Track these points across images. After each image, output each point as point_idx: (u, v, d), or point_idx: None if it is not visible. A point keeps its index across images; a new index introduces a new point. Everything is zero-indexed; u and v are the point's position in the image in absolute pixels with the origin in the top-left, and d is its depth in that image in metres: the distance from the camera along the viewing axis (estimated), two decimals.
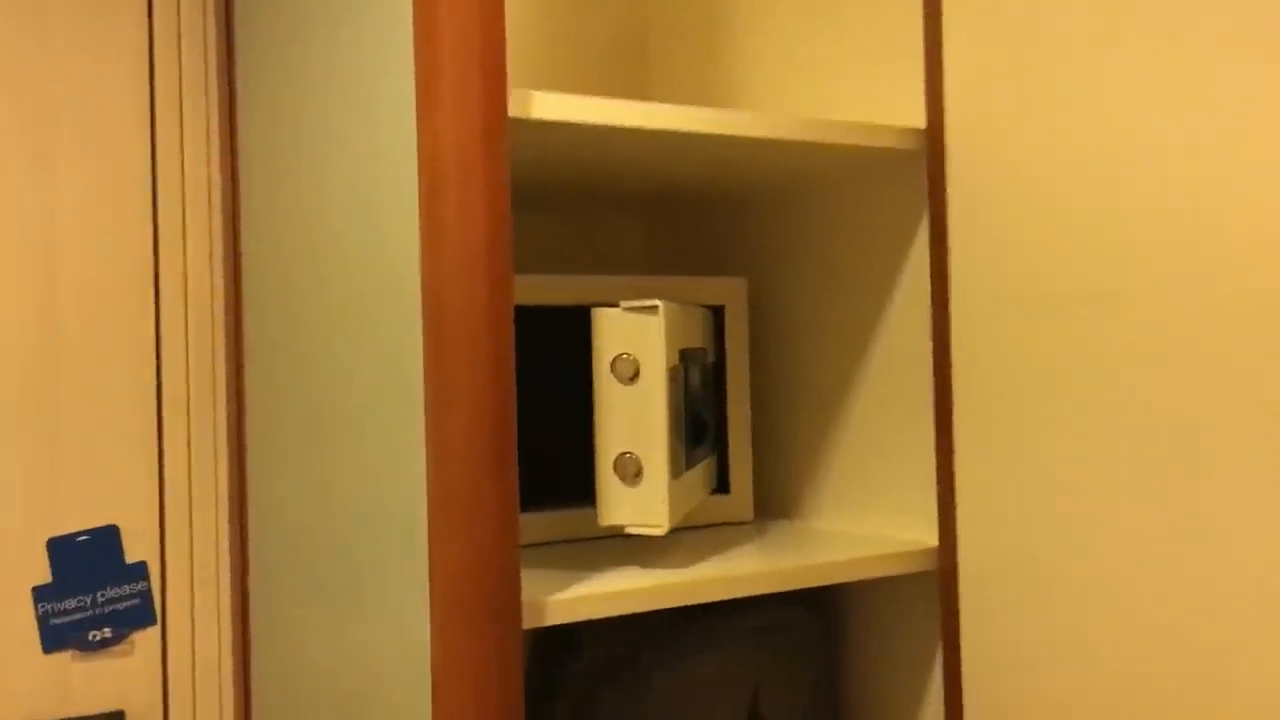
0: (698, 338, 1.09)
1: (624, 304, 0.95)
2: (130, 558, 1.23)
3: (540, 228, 1.40)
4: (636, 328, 0.94)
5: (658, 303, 0.94)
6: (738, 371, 1.20)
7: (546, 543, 1.11)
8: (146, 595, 1.24)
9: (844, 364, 1.17)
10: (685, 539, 1.12)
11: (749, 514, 1.21)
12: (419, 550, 0.85)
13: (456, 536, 0.82)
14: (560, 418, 1.16)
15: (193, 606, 1.25)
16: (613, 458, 0.95)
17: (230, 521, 1.25)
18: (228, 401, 1.25)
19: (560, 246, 1.41)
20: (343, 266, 0.98)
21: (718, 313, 1.20)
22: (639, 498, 0.94)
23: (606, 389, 0.95)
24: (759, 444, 1.28)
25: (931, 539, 1.06)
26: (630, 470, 0.94)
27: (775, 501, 1.27)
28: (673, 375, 0.96)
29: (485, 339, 0.83)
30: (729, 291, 1.20)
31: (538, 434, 1.15)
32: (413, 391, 0.86)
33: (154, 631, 1.24)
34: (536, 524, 1.11)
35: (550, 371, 1.16)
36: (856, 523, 1.16)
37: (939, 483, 1.05)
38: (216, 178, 1.26)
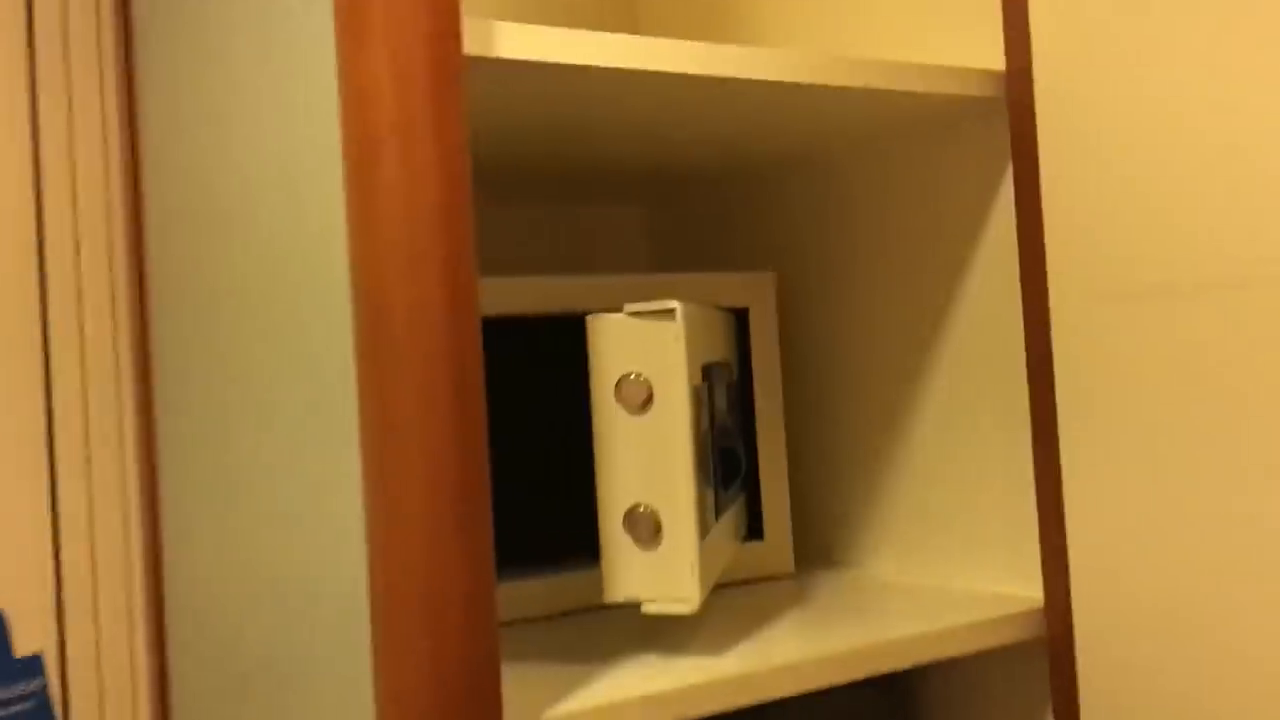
0: (720, 349, 0.86)
1: (629, 308, 0.71)
2: (21, 650, 0.99)
3: (515, 222, 1.17)
4: (648, 339, 0.71)
5: (674, 304, 0.71)
6: (768, 389, 0.97)
7: (534, 618, 0.87)
8: (43, 697, 1.00)
9: (903, 374, 0.93)
10: (715, 604, 0.88)
11: (788, 565, 0.97)
12: (358, 651, 0.61)
13: (409, 632, 0.59)
14: (551, 459, 0.93)
15: (102, 707, 1.01)
16: (621, 512, 0.71)
17: (146, 599, 1.01)
18: (137, 445, 1.02)
19: (541, 244, 1.17)
20: (259, 270, 0.75)
21: (740, 317, 0.97)
22: (659, 565, 0.71)
23: (611, 421, 0.71)
24: (795, 477, 1.05)
25: (1034, 594, 0.82)
26: (646, 529, 0.71)
27: (817, 547, 1.03)
28: (695, 398, 0.73)
29: (444, 357, 0.60)
30: (753, 290, 0.97)
31: (521, 480, 0.91)
32: (346, 431, 0.62)
33: None
34: (521, 594, 0.87)
35: (534, 400, 0.93)
36: (923, 573, 0.92)
37: (1042, 520, 0.81)
38: (115, 163, 1.02)
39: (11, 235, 0.99)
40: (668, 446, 0.70)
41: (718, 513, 0.78)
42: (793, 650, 0.73)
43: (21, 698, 0.99)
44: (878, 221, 0.95)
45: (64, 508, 0.99)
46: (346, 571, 0.62)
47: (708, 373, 0.78)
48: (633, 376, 0.71)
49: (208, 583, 0.88)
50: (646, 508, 0.70)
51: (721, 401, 0.83)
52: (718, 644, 0.75)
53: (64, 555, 1.00)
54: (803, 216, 1.03)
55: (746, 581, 0.96)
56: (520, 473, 0.91)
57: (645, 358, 0.71)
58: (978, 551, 0.87)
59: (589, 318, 0.72)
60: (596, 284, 0.87)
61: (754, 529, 0.97)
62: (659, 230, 1.22)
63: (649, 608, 0.70)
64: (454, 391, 0.60)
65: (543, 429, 0.92)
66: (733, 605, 0.87)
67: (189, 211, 0.87)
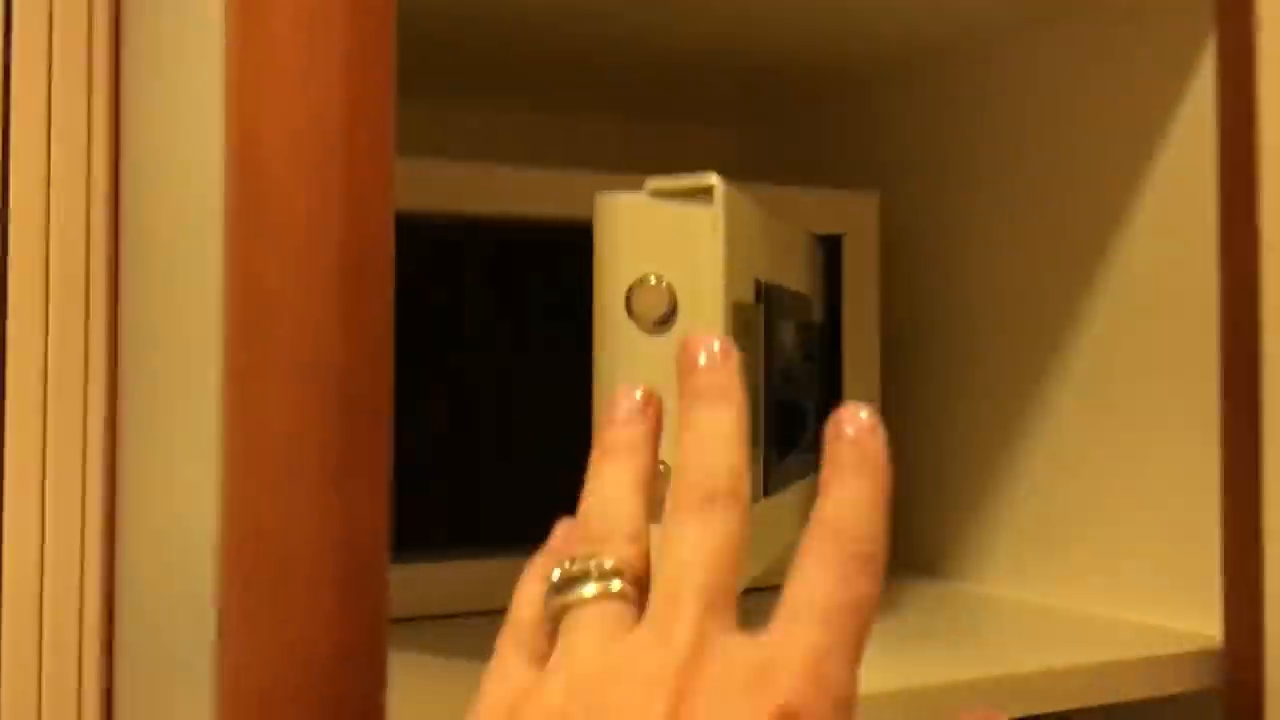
0: (795, 276, 0.65)
1: (652, 184, 0.51)
2: None
3: (578, 138, 0.96)
4: (675, 227, 0.51)
5: (713, 180, 0.50)
6: (863, 343, 0.76)
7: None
8: None
9: (1043, 335, 0.71)
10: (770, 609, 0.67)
11: None
12: (203, 646, 0.42)
13: (259, 612, 0.40)
14: (535, 410, 0.72)
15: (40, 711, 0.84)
16: None
17: (99, 616, 0.84)
18: (102, 439, 0.85)
19: (612, 167, 0.97)
20: (166, 208, 0.56)
21: (831, 247, 0.76)
22: None
23: (617, 342, 0.51)
24: (893, 459, 0.83)
25: (1207, 630, 0.60)
26: (662, 490, 0.50)
27: (917, 549, 0.82)
28: (738, 318, 0.52)
29: (336, 238, 0.41)
30: (850, 213, 0.76)
31: (492, 435, 0.71)
32: (210, 340, 0.43)
33: None
34: (479, 579, 0.67)
35: (516, 333, 0.72)
36: (1054, 593, 0.70)
37: (1227, 533, 0.58)
38: (101, 128, 0.85)
39: None
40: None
41: (769, 486, 0.57)
42: (877, 679, 0.52)
43: None
44: (1020, 136, 0.73)
45: (10, 507, 0.83)
46: (197, 541, 0.44)
47: (766, 294, 0.57)
48: (652, 280, 0.50)
49: (138, 577, 0.70)
50: (660, 466, 0.50)
51: (788, 340, 0.62)
52: None
53: (5, 558, 0.83)
54: (919, 133, 0.81)
55: None
56: (489, 425, 0.71)
57: (670, 254, 0.50)
58: (1130, 570, 0.65)
59: (597, 196, 0.52)
60: (616, 186, 0.67)
61: None
62: (754, 156, 1.01)
63: None
64: (345, 286, 0.40)
65: (523, 370, 0.72)
66: None
67: (147, 171, 0.70)
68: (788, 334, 0.62)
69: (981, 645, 0.59)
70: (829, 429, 0.34)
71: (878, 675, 0.53)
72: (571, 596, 0.30)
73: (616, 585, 0.30)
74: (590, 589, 0.30)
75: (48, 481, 0.81)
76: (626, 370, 0.50)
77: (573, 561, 0.31)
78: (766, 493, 0.57)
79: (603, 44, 0.74)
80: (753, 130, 1.00)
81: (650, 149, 0.95)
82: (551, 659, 0.29)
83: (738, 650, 0.28)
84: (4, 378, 0.82)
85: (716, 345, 0.35)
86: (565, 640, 0.29)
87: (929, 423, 0.80)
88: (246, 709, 0.39)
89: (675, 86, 0.86)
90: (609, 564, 0.30)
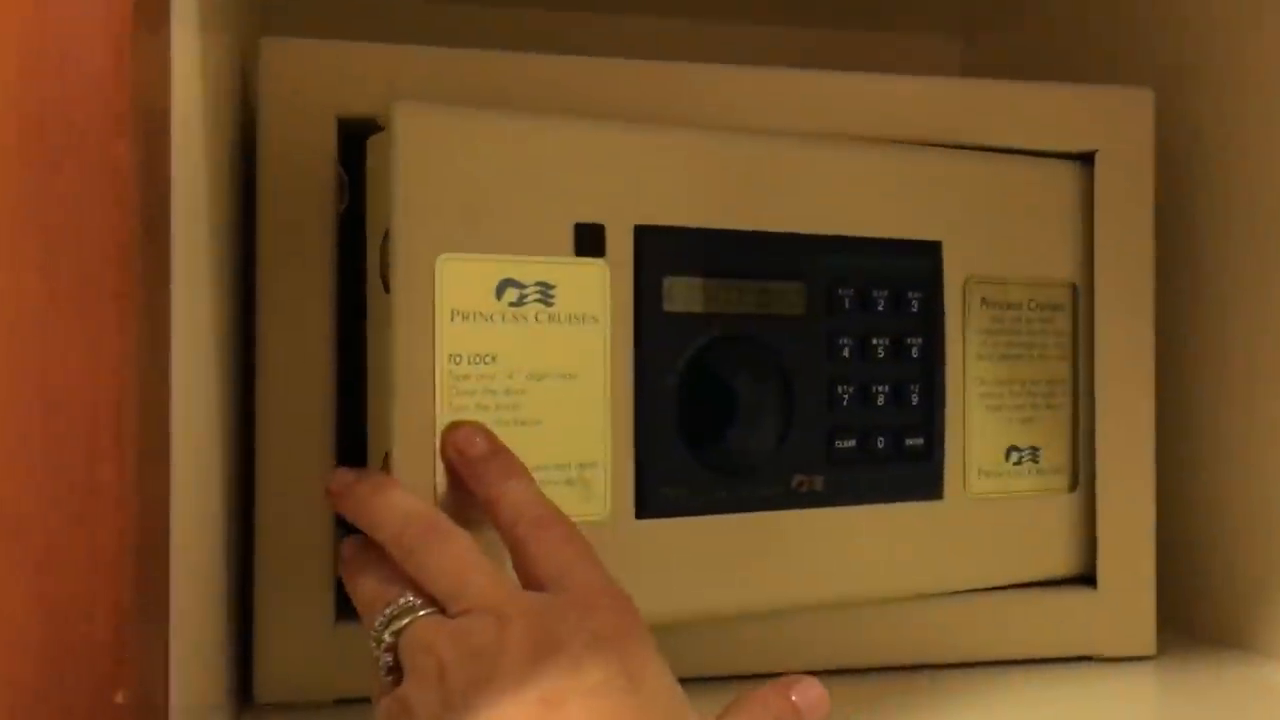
0: (847, 214, 0.47)
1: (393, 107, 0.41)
2: None
3: (782, 49, 0.77)
4: (378, 163, 0.41)
5: (393, 104, 0.39)
6: (1122, 306, 0.51)
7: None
8: None
9: None
10: (979, 690, 0.50)
11: (1146, 640, 0.51)
12: None
13: None
14: None
15: None
16: (378, 464, 0.42)
17: None
18: None
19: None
20: None
21: (1082, 170, 0.52)
22: None
23: (372, 307, 0.42)
24: (1169, 484, 0.54)
25: None
26: None
27: (1204, 613, 0.54)
28: (506, 281, 0.41)
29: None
30: (1109, 118, 0.51)
31: None
32: None
33: None
34: None
35: None
36: None
37: None
38: None
39: None
40: (389, 352, 0.39)
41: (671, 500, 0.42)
42: None
43: None
44: None
45: None
46: None
47: (650, 243, 0.42)
48: (388, 233, 0.41)
49: None
50: (390, 453, 0.41)
51: (780, 307, 0.45)
52: None
53: None
54: (1198, 27, 0.52)
55: (1067, 659, 0.52)
56: None
57: (383, 199, 0.41)
58: None
59: (371, 139, 0.43)
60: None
61: (1084, 571, 0.52)
62: (980, 68, 0.75)
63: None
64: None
65: None
66: (1022, 699, 0.48)
67: None
68: (778, 300, 0.45)
69: None
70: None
71: None
72: (398, 625, 0.36)
73: (424, 610, 0.36)
74: (408, 617, 0.36)
75: None
76: (376, 341, 0.42)
77: (384, 611, 0.36)
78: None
79: None
80: (981, 37, 0.73)
81: (866, 63, 0.73)
82: (409, 661, 0.35)
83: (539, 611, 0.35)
84: None
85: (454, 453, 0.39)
86: (411, 644, 0.35)
87: (1233, 429, 0.52)
88: None
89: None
90: (407, 600, 0.36)
